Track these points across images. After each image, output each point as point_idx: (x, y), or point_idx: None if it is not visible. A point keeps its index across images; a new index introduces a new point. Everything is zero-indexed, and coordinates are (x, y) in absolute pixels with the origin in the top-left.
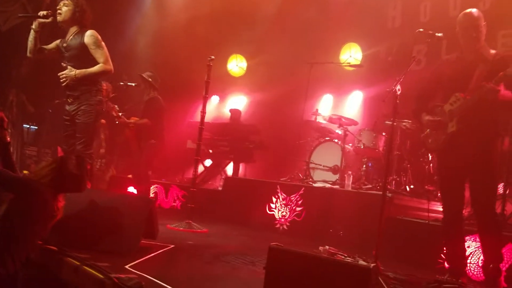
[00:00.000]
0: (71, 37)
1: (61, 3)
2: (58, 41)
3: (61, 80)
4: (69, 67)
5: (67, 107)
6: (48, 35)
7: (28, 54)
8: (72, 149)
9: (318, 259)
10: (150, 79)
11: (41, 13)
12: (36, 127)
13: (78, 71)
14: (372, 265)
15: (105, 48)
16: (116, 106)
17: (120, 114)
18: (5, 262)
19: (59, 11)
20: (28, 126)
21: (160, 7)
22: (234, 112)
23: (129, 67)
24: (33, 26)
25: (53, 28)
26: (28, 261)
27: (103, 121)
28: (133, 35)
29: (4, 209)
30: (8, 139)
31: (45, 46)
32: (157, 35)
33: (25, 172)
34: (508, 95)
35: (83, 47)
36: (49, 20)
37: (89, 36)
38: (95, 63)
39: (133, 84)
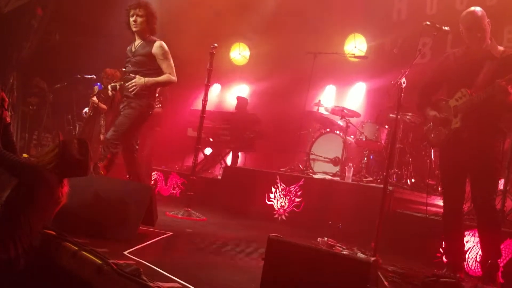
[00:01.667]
0: (140, 43)
1: (134, 13)
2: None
3: (130, 89)
4: (137, 76)
5: (120, 106)
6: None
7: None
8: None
9: (318, 251)
10: None
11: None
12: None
13: (147, 79)
14: (373, 259)
15: (171, 60)
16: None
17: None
18: (7, 247)
19: (133, 22)
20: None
21: None
22: (241, 100)
23: None
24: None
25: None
26: (31, 248)
27: (104, 106)
28: None
29: (8, 194)
30: (8, 119)
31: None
32: (160, 22)
33: (25, 155)
34: None
35: (151, 56)
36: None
37: (158, 47)
38: (158, 71)
39: None
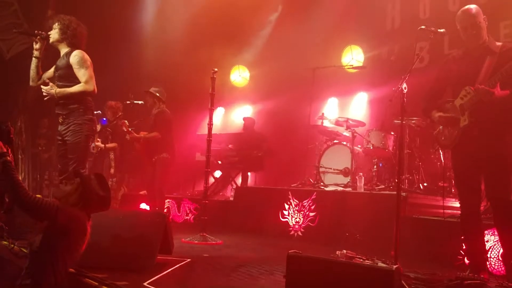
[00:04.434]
0: (61, 57)
1: (52, 26)
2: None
3: (44, 97)
4: (50, 84)
5: (59, 127)
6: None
7: (31, 83)
8: (66, 169)
9: (340, 264)
10: (157, 94)
11: (41, 33)
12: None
13: (58, 90)
14: (395, 266)
15: (90, 68)
16: (126, 121)
17: (130, 129)
18: None
19: (50, 33)
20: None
21: (162, 22)
22: (248, 120)
23: (135, 85)
24: (35, 54)
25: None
26: None
27: (112, 145)
28: (137, 53)
29: (42, 238)
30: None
31: (45, 74)
32: (160, 51)
33: (38, 196)
34: (505, 94)
35: (69, 67)
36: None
37: (74, 56)
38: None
39: (140, 102)
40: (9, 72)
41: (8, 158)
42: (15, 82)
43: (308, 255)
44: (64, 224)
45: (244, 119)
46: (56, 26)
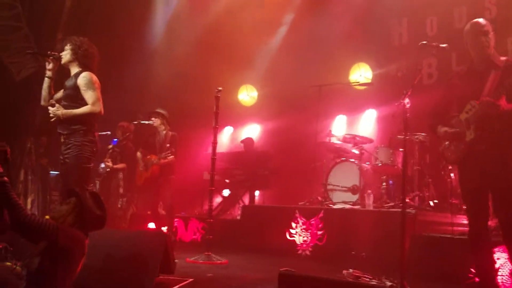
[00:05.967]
0: (70, 77)
1: (64, 47)
2: None
3: (50, 118)
4: (57, 105)
5: (62, 147)
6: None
7: (42, 102)
8: (67, 188)
9: (334, 283)
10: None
11: (54, 53)
12: (57, 172)
13: (64, 111)
14: (389, 284)
15: (97, 90)
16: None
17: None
18: None
19: (61, 54)
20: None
21: (170, 42)
22: (247, 141)
23: (144, 105)
24: (47, 74)
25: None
26: None
27: (120, 166)
28: (146, 73)
29: (41, 260)
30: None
31: (57, 94)
32: (169, 70)
33: (47, 217)
34: (510, 107)
35: (76, 88)
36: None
37: (81, 77)
38: (86, 104)
39: (147, 122)
40: (19, 94)
41: (5, 178)
42: (24, 104)
43: (300, 274)
44: (65, 245)
45: (242, 141)
46: (67, 47)
